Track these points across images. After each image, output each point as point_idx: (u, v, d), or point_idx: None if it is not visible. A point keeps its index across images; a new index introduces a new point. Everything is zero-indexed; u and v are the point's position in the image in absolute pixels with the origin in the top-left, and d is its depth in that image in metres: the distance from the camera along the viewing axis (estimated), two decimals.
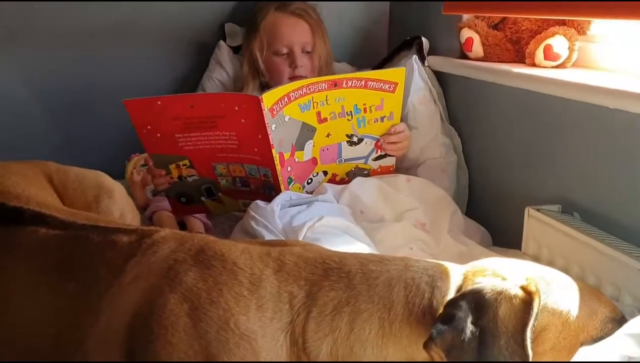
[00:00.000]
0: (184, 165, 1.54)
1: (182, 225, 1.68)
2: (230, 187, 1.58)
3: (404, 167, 1.79)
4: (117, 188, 1.33)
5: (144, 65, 2.04)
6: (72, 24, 1.97)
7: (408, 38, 1.91)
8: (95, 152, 2.07)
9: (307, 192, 1.59)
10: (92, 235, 1.00)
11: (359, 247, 1.31)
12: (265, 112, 1.38)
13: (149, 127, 1.46)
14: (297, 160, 1.53)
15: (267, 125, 1.39)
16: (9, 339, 0.99)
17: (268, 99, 1.38)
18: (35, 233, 1.02)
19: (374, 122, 1.58)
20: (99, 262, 0.97)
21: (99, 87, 2.03)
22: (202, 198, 1.62)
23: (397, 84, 1.54)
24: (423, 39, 1.86)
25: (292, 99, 1.44)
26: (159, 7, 2.03)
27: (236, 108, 1.40)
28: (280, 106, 1.42)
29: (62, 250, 1.00)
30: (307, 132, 1.51)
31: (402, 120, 1.65)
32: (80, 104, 2.04)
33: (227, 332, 0.84)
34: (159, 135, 1.47)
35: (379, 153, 1.64)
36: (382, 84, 1.53)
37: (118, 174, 1.93)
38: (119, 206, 1.29)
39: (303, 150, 1.53)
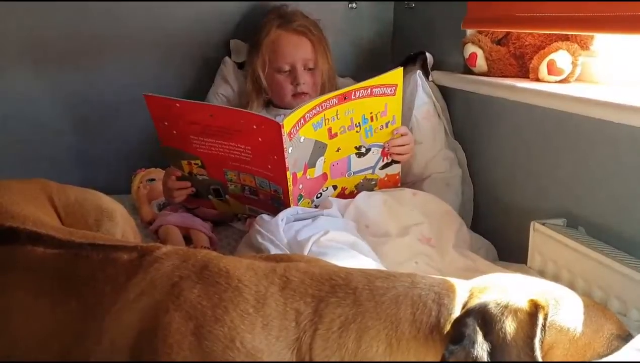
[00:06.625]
0: (196, 164, 1.56)
1: (188, 239, 1.68)
2: (238, 193, 1.58)
3: (409, 181, 1.79)
4: (117, 209, 1.32)
5: (150, 80, 2.06)
6: (78, 38, 1.99)
7: (412, 53, 1.92)
8: (101, 165, 2.09)
9: (315, 206, 1.59)
10: (92, 254, 1.00)
11: (365, 261, 1.30)
12: (285, 137, 1.38)
13: (166, 123, 1.49)
14: (308, 177, 1.53)
15: (285, 149, 1.39)
16: (11, 356, 0.99)
17: (287, 124, 1.39)
18: (33, 253, 1.02)
19: (380, 129, 1.59)
20: (102, 279, 0.96)
21: (105, 101, 2.05)
22: (210, 196, 1.63)
23: (397, 85, 1.55)
24: (427, 54, 1.87)
25: (307, 120, 1.45)
26: (166, 23, 2.05)
27: (254, 127, 1.41)
28: (297, 129, 1.43)
29: (62, 269, 1.00)
30: (319, 149, 1.52)
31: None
32: (86, 117, 2.05)
33: (232, 351, 0.84)
34: (175, 132, 1.50)
35: (385, 161, 1.64)
36: (384, 88, 1.54)
37: (124, 188, 1.96)
38: (121, 227, 1.28)
39: (315, 167, 1.54)
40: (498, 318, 0.82)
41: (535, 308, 0.83)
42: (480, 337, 0.80)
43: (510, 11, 1.58)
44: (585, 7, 1.32)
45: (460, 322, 0.83)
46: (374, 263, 1.32)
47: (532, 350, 0.80)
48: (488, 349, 0.80)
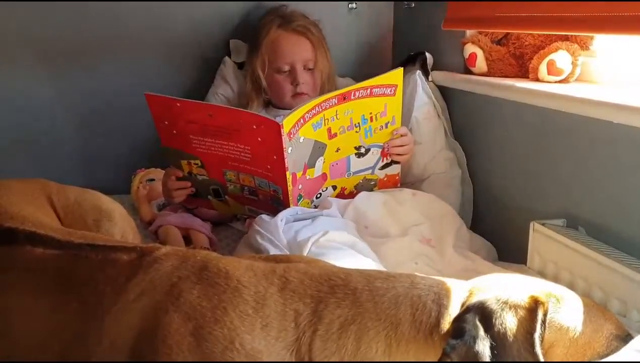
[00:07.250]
0: (195, 164, 1.56)
1: (187, 240, 1.68)
2: (238, 193, 1.59)
3: (409, 181, 1.79)
4: (116, 209, 1.32)
5: (150, 80, 2.06)
6: (78, 38, 1.99)
7: (412, 53, 1.92)
8: (101, 165, 2.09)
9: (314, 207, 1.59)
10: (91, 254, 1.00)
11: (364, 262, 1.30)
12: (284, 137, 1.38)
13: (166, 122, 1.50)
14: (308, 177, 1.53)
15: (284, 149, 1.39)
16: (11, 356, 0.99)
17: (287, 124, 1.39)
18: (32, 253, 1.02)
19: (380, 129, 1.59)
20: (101, 280, 0.96)
21: (105, 101, 2.05)
22: (209, 196, 1.63)
23: (396, 86, 1.55)
24: (427, 54, 1.87)
25: (306, 120, 1.45)
26: (166, 23, 2.05)
27: (254, 126, 1.41)
28: (297, 129, 1.43)
29: (61, 269, 1.00)
30: (318, 149, 1.52)
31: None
32: (86, 117, 2.05)
33: (232, 352, 0.84)
34: (175, 131, 1.50)
35: (385, 161, 1.64)
36: (384, 88, 1.54)
37: (124, 188, 1.96)
38: (120, 228, 1.28)
39: (314, 167, 1.54)
40: (498, 313, 0.82)
41: (535, 304, 0.84)
42: (480, 332, 0.80)
43: (491, 11, 1.58)
44: (585, 7, 1.32)
45: (460, 318, 0.83)
46: (373, 263, 1.32)
47: (532, 345, 0.80)
48: (489, 344, 0.80)
